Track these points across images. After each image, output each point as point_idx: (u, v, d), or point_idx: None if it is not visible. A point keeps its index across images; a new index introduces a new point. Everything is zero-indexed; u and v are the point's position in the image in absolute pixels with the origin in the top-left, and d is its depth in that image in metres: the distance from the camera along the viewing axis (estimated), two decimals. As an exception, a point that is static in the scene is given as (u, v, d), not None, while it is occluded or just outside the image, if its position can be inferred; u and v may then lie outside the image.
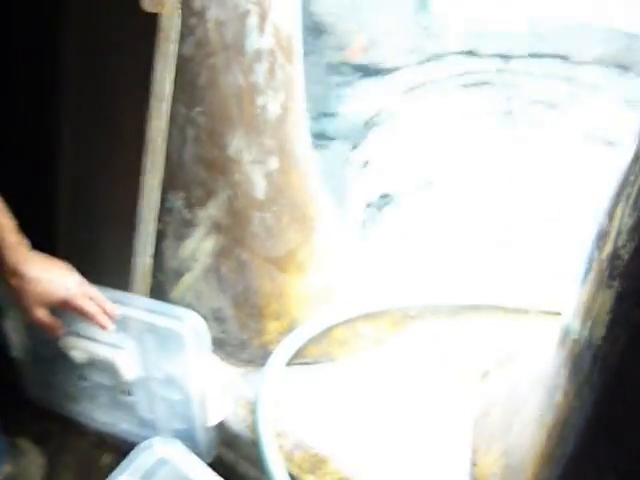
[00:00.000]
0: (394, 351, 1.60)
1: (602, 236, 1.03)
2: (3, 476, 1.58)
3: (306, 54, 1.46)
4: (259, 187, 1.44)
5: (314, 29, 2.17)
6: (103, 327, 1.29)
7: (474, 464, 1.41)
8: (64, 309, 1.24)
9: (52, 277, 1.20)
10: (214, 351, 1.55)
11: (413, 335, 1.64)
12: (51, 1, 1.25)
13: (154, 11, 1.13)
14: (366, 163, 1.87)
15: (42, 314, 1.20)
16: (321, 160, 1.60)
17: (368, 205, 1.75)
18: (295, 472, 1.36)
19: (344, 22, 2.18)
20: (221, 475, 1.38)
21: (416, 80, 2.06)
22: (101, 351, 1.44)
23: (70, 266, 1.26)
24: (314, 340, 1.58)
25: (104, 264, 1.44)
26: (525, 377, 1.37)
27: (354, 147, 1.90)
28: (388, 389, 1.52)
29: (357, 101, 1.99)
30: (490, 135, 1.98)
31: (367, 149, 1.90)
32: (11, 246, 1.14)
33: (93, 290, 1.28)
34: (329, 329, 1.60)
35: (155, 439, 1.38)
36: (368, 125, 1.95)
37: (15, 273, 1.15)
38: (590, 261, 1.08)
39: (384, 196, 1.78)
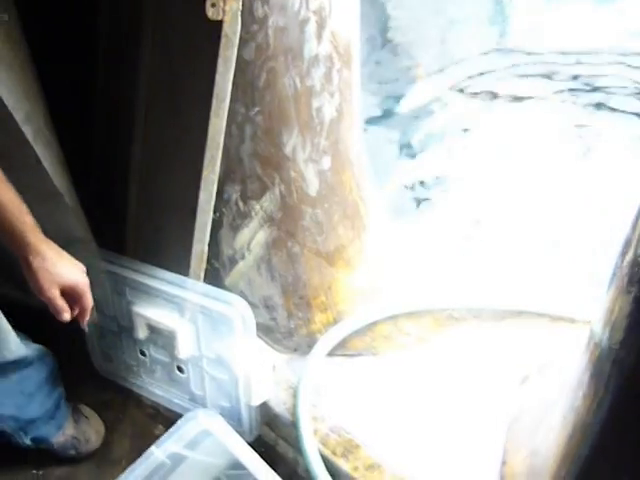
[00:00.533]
0: (436, 349, 1.65)
1: (626, 244, 1.06)
2: (65, 437, 1.73)
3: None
4: (312, 184, 1.52)
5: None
6: (84, 321, 1.36)
7: (504, 463, 1.45)
8: (69, 293, 1.30)
9: (67, 261, 1.28)
10: (263, 337, 1.65)
11: (456, 336, 1.68)
12: (132, 12, 1.37)
13: (217, 19, 1.23)
14: (418, 151, 1.91)
15: (56, 294, 1.26)
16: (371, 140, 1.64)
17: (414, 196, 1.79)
18: (329, 455, 1.43)
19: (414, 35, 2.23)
20: (261, 454, 1.47)
21: (477, 70, 2.08)
22: (160, 328, 1.57)
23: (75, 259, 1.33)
24: (358, 333, 1.65)
25: (166, 249, 1.56)
26: (556, 381, 1.39)
27: (405, 133, 1.94)
28: (427, 385, 1.57)
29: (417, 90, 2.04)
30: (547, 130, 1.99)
31: (418, 139, 1.94)
32: (32, 229, 1.21)
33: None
34: (373, 324, 1.66)
35: (200, 410, 1.48)
36: (423, 112, 1.98)
37: (37, 253, 1.21)
38: (615, 268, 1.11)
39: (427, 185, 1.82)
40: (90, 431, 1.76)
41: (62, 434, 1.71)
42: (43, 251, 1.22)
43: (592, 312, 1.65)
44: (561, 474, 1.17)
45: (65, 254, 1.29)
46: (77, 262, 1.31)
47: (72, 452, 1.73)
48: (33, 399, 1.59)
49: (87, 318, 1.37)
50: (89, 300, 1.34)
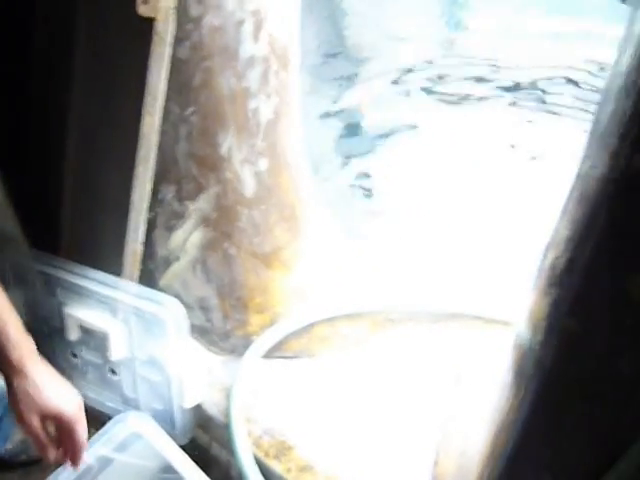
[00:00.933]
0: (372, 351, 1.66)
1: (548, 247, 1.08)
2: (13, 444, 1.67)
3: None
4: (248, 186, 1.51)
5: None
6: (75, 463, 1.20)
7: (436, 463, 1.47)
8: (55, 424, 1.15)
9: (55, 387, 1.14)
10: (199, 339, 1.63)
11: (392, 337, 1.70)
12: (64, 9, 1.35)
13: (149, 16, 1.22)
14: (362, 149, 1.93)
15: (36, 422, 1.12)
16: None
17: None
18: (262, 456, 1.43)
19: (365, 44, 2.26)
20: (195, 456, 1.46)
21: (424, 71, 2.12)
22: (92, 329, 1.55)
23: (71, 385, 1.20)
24: (295, 335, 1.65)
25: (99, 249, 1.53)
26: (486, 382, 1.42)
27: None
28: (362, 387, 1.58)
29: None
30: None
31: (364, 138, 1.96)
32: (17, 344, 1.09)
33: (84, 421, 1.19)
34: (310, 326, 1.67)
35: (129, 413, 1.46)
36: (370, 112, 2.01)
37: (19, 372, 1.09)
38: (537, 270, 1.14)
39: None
40: None
41: (10, 442, 1.66)
42: (27, 372, 1.09)
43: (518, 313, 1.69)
44: (485, 473, 1.19)
45: (58, 378, 1.15)
46: (72, 392, 1.16)
47: (23, 457, 1.68)
48: None
49: (80, 460, 1.19)
50: (80, 438, 1.16)
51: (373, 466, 1.44)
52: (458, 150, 1.92)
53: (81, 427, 1.16)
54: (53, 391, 1.12)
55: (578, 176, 0.95)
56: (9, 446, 1.65)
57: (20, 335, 1.11)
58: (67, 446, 1.17)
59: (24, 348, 1.11)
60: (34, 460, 1.69)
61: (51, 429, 1.17)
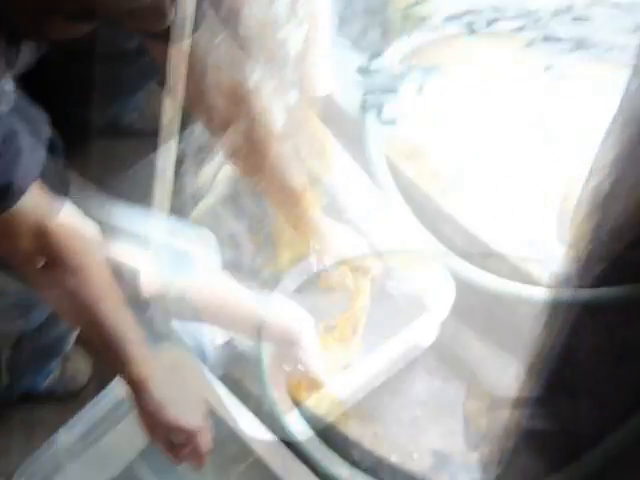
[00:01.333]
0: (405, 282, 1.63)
1: (591, 171, 1.05)
2: (52, 380, 1.70)
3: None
4: (277, 119, 1.48)
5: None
6: (199, 467, 1.21)
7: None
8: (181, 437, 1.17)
9: (176, 402, 1.15)
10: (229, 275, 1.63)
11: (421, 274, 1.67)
12: None
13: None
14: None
15: (158, 436, 1.16)
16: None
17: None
18: (293, 392, 1.43)
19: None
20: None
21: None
22: (122, 266, 1.55)
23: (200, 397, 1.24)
24: (328, 269, 1.63)
25: (128, 183, 1.53)
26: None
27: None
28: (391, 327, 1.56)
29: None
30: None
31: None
32: (137, 361, 1.12)
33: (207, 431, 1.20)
34: (341, 261, 1.64)
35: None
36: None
37: (140, 390, 1.12)
38: (579, 198, 1.10)
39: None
40: (77, 368, 1.74)
41: (51, 378, 1.70)
42: (147, 388, 1.12)
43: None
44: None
45: (179, 391, 1.17)
46: (198, 404, 1.20)
47: (61, 390, 1.72)
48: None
49: (202, 465, 1.22)
50: (203, 448, 1.19)
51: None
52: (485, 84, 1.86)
53: (203, 438, 1.18)
54: (174, 407, 1.14)
55: (626, 93, 0.91)
56: (47, 383, 1.69)
57: (141, 351, 1.14)
58: (191, 452, 1.20)
59: (144, 365, 1.13)
60: (71, 393, 1.73)
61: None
